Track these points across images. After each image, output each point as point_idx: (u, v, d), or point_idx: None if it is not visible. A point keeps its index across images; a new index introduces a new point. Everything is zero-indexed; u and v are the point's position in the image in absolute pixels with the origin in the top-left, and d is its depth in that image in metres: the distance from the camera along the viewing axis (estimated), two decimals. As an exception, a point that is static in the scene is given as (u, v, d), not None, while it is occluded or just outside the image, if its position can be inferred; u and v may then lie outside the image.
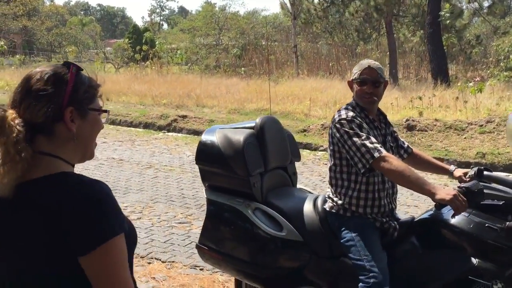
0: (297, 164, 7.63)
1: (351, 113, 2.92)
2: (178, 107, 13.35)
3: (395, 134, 3.23)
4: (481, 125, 9.91)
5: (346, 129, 2.86)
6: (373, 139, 2.83)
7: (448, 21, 17.04)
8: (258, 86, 15.42)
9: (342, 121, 2.89)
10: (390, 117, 3.30)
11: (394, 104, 11.68)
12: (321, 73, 20.66)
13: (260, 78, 18.44)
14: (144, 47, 22.31)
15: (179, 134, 11.20)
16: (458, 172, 3.14)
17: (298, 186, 3.70)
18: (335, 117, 2.95)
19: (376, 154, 2.77)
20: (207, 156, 3.32)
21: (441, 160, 9.26)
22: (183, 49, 28.71)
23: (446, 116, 10.84)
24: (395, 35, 21.83)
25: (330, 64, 21.97)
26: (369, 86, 2.96)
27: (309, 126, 10.77)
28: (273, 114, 12.47)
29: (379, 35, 24.11)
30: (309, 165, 8.39)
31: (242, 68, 21.23)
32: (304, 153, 9.51)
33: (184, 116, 11.97)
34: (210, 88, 15.66)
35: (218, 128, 3.43)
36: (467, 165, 8.30)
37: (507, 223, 2.51)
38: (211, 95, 14.56)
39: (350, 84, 3.06)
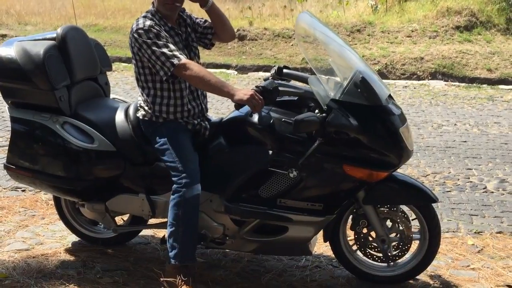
0: (130, 79, 7.44)
1: (148, 22, 2.89)
2: (-4, 25, 12.19)
3: (204, 24, 3.20)
4: (306, 32, 10.43)
5: (144, 39, 2.85)
6: (172, 47, 2.86)
7: None
8: (87, 1, 14.53)
9: (139, 31, 2.87)
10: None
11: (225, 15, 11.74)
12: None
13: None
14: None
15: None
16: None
17: (115, 96, 3.67)
18: (133, 26, 2.92)
19: (176, 62, 2.82)
20: (5, 72, 3.14)
21: (270, 67, 9.69)
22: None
23: (275, 25, 11.20)
24: None
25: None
26: None
27: (141, 40, 10.50)
28: (103, 30, 11.93)
29: None
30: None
31: (70, -18, 19.70)
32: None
33: (3, 36, 11.03)
34: (33, 4, 14.42)
35: (16, 41, 3.23)
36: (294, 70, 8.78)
37: (295, 117, 2.73)
38: (34, 12, 13.44)
39: None
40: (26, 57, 3.07)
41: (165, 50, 2.83)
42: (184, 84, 3.02)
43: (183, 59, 2.85)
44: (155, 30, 2.87)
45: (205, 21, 3.23)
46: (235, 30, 10.70)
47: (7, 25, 12.32)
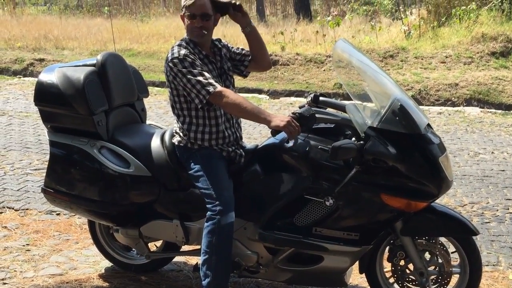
0: (163, 103, 7.57)
1: (183, 51, 2.92)
2: (35, 50, 12.48)
3: (242, 51, 3.22)
4: (338, 58, 10.39)
5: (179, 68, 2.87)
6: (207, 75, 2.87)
7: (309, -43, 17.34)
8: (123, 26, 14.83)
9: (174, 60, 2.89)
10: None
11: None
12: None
13: (124, 18, 17.71)
14: (-7, -14, 20.30)
15: (37, 79, 10.52)
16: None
17: (152, 122, 3.70)
18: (168, 55, 2.94)
19: (211, 90, 2.82)
20: (46, 96, 3.22)
21: (302, 92, 9.69)
22: (40, -12, 26.55)
23: (307, 50, 11.21)
24: (260, -29, 21.78)
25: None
26: (199, 20, 2.96)
27: (174, 65, 10.62)
28: (138, 54, 12.13)
29: (245, -29, 23.97)
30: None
31: (106, 8, 20.19)
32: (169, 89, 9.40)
33: (41, 60, 11.27)
34: (70, 29, 14.76)
35: (57, 66, 3.31)
36: (327, 96, 8.73)
37: (332, 144, 2.70)
38: (71, 37, 13.74)
39: (183, 18, 3.04)
40: (67, 83, 3.12)
41: (200, 78, 2.85)
42: (219, 111, 3.02)
43: (219, 87, 2.85)
44: (190, 59, 2.89)
45: (242, 49, 3.24)
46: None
47: (45, 49, 12.62)
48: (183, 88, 2.91)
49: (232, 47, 3.23)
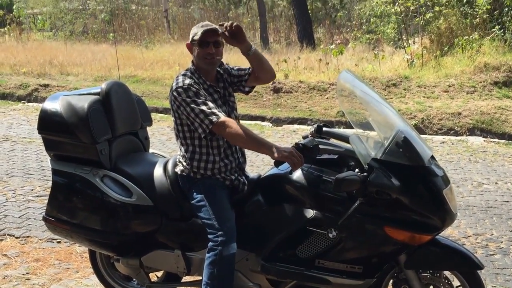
0: (166, 129, 7.56)
1: (187, 81, 2.94)
2: (39, 75, 12.58)
3: (238, 72, 3.21)
4: (341, 86, 10.43)
5: (183, 98, 2.89)
6: (211, 104, 2.88)
7: (312, -14, 17.56)
8: (127, 52, 14.97)
9: (178, 90, 2.91)
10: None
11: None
12: (193, 37, 20.34)
13: (129, 44, 17.88)
14: (0, 12, 20.61)
15: (41, 104, 10.57)
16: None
17: (155, 151, 3.70)
18: (173, 84, 2.96)
19: (214, 119, 2.83)
20: (50, 125, 3.22)
21: (305, 120, 9.70)
22: (47, 14, 26.90)
23: (310, 78, 11.27)
24: (264, -1, 22.06)
25: (202, 29, 21.67)
26: (211, 47, 2.99)
27: (178, 92, 10.66)
28: (142, 81, 12.21)
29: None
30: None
31: (111, 34, 20.40)
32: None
33: (46, 85, 11.35)
34: (75, 55, 14.90)
35: (61, 95, 3.32)
36: (329, 123, 8.73)
37: (336, 176, 2.68)
38: (76, 63, 13.86)
39: (190, 46, 3.06)
40: (71, 111, 3.13)
41: (203, 107, 2.85)
42: (222, 140, 3.03)
43: (222, 117, 2.86)
44: (194, 89, 2.91)
45: (239, 69, 3.23)
46: (271, 82, 10.87)
47: (50, 75, 12.72)
48: (187, 117, 2.91)
49: (232, 69, 3.22)
